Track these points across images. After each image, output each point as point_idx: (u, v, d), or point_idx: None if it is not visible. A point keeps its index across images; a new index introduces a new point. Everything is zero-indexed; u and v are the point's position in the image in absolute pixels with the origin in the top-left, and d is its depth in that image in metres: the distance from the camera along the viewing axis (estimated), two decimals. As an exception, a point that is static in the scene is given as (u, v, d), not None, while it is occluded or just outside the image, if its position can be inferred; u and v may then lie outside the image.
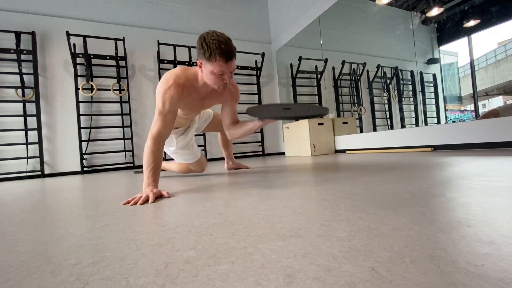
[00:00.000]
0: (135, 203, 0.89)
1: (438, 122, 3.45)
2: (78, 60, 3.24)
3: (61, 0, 3.27)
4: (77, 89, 3.20)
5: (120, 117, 3.45)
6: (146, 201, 0.91)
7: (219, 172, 1.89)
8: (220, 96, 1.29)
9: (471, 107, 3.15)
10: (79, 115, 3.20)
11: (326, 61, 3.77)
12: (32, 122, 3.03)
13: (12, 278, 0.39)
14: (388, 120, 3.96)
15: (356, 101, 4.02)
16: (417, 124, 3.63)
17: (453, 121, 3.16)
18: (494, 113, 2.45)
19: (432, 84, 3.50)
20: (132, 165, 3.45)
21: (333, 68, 3.95)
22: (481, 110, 2.92)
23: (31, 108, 3.03)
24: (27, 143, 2.98)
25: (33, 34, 3.01)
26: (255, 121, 1.17)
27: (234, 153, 4.08)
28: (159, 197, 0.96)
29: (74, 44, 3.15)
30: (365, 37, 3.92)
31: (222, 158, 3.96)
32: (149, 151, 1.05)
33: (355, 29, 3.84)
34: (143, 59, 3.64)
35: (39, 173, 3.01)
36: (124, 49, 3.42)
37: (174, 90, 1.09)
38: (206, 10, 4.11)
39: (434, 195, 0.68)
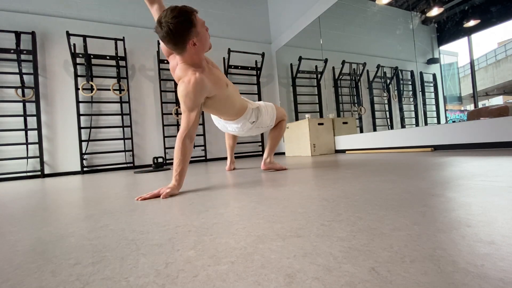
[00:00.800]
0: (144, 199, 0.96)
1: (438, 122, 3.45)
2: (78, 60, 3.24)
3: (61, 0, 3.26)
4: (77, 89, 3.20)
5: (120, 117, 3.45)
6: (157, 196, 0.99)
7: (219, 172, 1.89)
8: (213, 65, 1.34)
9: (471, 107, 3.15)
10: (79, 115, 3.20)
11: (326, 61, 3.77)
12: (32, 122, 3.03)
13: (12, 278, 0.39)
14: (388, 120, 3.96)
15: (356, 101, 4.02)
16: (417, 124, 3.63)
17: (453, 121, 3.16)
18: (503, 110, 2.41)
19: (432, 84, 3.51)
20: (132, 165, 3.45)
21: (333, 68, 3.95)
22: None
23: (31, 108, 3.03)
24: (27, 143, 2.98)
25: (33, 34, 3.01)
26: None
27: (235, 153, 4.07)
28: (171, 195, 1.01)
29: (74, 44, 3.16)
30: (365, 37, 3.92)
31: (222, 158, 3.97)
32: (175, 150, 1.09)
33: (355, 29, 3.84)
34: (143, 59, 3.64)
35: (39, 173, 3.01)
36: (124, 49, 3.42)
37: (195, 79, 1.09)
38: (206, 10, 4.11)
39: (434, 195, 0.68)
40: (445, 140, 2.10)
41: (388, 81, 3.92)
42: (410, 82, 3.74)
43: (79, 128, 3.19)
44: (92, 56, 3.26)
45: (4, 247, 0.54)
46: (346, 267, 0.34)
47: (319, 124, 3.19)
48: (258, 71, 4.27)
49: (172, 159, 3.65)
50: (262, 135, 4.30)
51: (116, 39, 3.33)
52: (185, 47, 1.07)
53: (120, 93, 3.42)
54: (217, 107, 1.33)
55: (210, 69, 1.20)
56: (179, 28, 1.01)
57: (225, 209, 0.71)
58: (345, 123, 3.40)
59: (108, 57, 3.34)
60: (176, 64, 1.18)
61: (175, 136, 3.72)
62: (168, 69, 3.67)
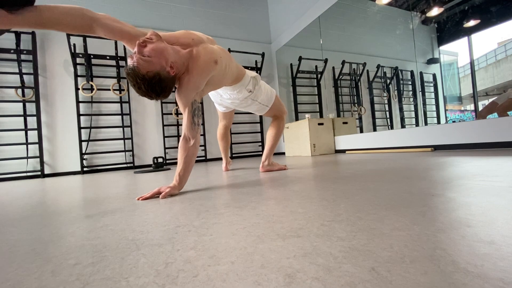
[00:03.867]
0: (145, 198, 0.96)
1: (438, 122, 3.45)
2: (78, 60, 3.24)
3: (60, 1, 3.26)
4: (77, 89, 3.20)
5: (120, 117, 3.45)
6: (157, 194, 0.99)
7: (219, 173, 1.89)
8: None
9: (471, 107, 3.15)
10: (79, 115, 3.20)
11: (326, 61, 3.77)
12: (32, 122, 3.03)
13: (12, 278, 0.39)
14: (388, 120, 3.96)
15: (356, 101, 4.02)
16: (417, 124, 3.63)
17: (453, 121, 3.16)
18: (508, 106, 2.39)
19: (432, 84, 3.50)
20: (132, 165, 3.45)
21: (333, 68, 3.95)
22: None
23: (31, 108, 3.03)
24: (27, 143, 2.98)
25: (33, 34, 3.00)
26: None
27: (234, 153, 4.09)
28: (170, 195, 1.00)
29: (74, 44, 3.15)
30: (365, 37, 3.92)
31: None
32: (179, 150, 1.08)
33: (355, 29, 3.84)
34: (143, 59, 3.63)
35: (39, 173, 3.01)
36: (124, 49, 3.42)
37: (177, 91, 1.12)
38: (206, 10, 4.11)
39: (434, 195, 0.68)
40: (445, 140, 2.10)
41: (388, 81, 3.92)
42: (410, 82, 3.73)
43: (79, 128, 3.19)
44: (92, 56, 3.26)
45: (4, 247, 0.54)
46: (346, 267, 0.34)
47: (319, 124, 3.19)
48: (258, 71, 4.26)
49: (173, 159, 3.66)
50: (262, 134, 4.31)
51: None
52: (175, 78, 1.04)
53: (120, 93, 3.41)
54: (215, 86, 1.26)
55: (195, 60, 1.07)
56: (169, 88, 1.00)
57: (225, 209, 0.71)
58: (345, 123, 3.39)
59: (108, 57, 3.34)
60: None
61: (175, 136, 3.73)
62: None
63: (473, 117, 3.08)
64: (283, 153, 4.27)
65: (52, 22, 0.82)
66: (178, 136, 3.73)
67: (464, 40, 2.94)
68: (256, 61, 4.28)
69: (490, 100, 2.78)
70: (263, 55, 4.19)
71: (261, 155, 4.21)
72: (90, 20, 0.90)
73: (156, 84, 0.94)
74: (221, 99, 1.57)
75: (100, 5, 3.45)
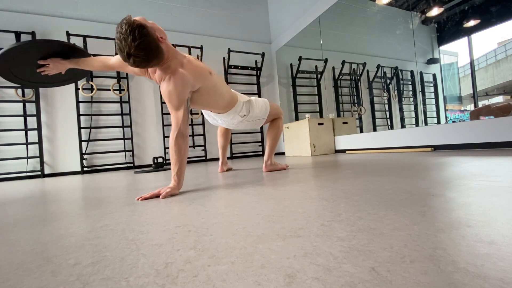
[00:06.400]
0: (145, 198, 0.96)
1: (438, 122, 3.45)
2: (78, 60, 3.23)
3: (61, 0, 3.26)
4: (77, 89, 3.20)
5: (120, 117, 3.45)
6: (157, 196, 0.99)
7: (219, 173, 1.89)
8: None
9: (471, 107, 3.15)
10: (79, 115, 3.20)
11: (326, 61, 3.77)
12: (32, 122, 3.03)
13: (12, 278, 0.39)
14: (388, 120, 3.96)
15: (356, 101, 4.02)
16: (417, 124, 3.63)
17: (453, 121, 3.16)
18: (506, 109, 2.40)
19: (432, 84, 3.50)
20: (132, 165, 3.45)
21: (333, 68, 3.95)
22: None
23: (31, 108, 3.03)
24: (27, 143, 2.98)
25: (33, 34, 3.00)
26: None
27: (234, 153, 4.09)
28: (170, 195, 1.00)
29: (74, 44, 3.15)
30: (365, 37, 3.92)
31: (222, 158, 3.96)
32: (170, 150, 1.07)
33: (355, 29, 3.84)
34: (143, 59, 3.63)
35: (39, 173, 3.01)
36: (124, 49, 3.42)
37: (175, 76, 1.08)
38: (206, 10, 4.11)
39: (434, 195, 0.68)
40: (445, 140, 2.10)
41: (388, 81, 3.92)
42: (410, 82, 3.73)
43: (79, 128, 3.19)
44: (92, 56, 3.25)
45: (4, 247, 0.54)
46: (346, 267, 0.34)
47: (319, 124, 3.19)
48: (258, 71, 4.27)
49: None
50: (262, 134, 4.30)
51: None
52: (161, 49, 1.01)
53: (120, 93, 3.41)
54: (205, 100, 1.28)
55: (189, 60, 1.13)
56: (149, 46, 0.96)
57: (225, 209, 0.71)
58: (345, 123, 3.39)
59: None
60: (154, 69, 1.14)
61: (175, 136, 3.72)
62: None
63: (473, 117, 3.08)
64: (283, 153, 4.27)
65: (84, 63, 1.49)
66: (178, 136, 3.73)
67: (464, 40, 2.94)
68: (256, 61, 4.28)
69: (486, 103, 2.80)
70: (263, 55, 4.19)
71: (261, 155, 4.21)
72: (106, 59, 1.39)
73: (136, 29, 0.93)
74: (217, 122, 1.65)
75: (101, 5, 3.45)
